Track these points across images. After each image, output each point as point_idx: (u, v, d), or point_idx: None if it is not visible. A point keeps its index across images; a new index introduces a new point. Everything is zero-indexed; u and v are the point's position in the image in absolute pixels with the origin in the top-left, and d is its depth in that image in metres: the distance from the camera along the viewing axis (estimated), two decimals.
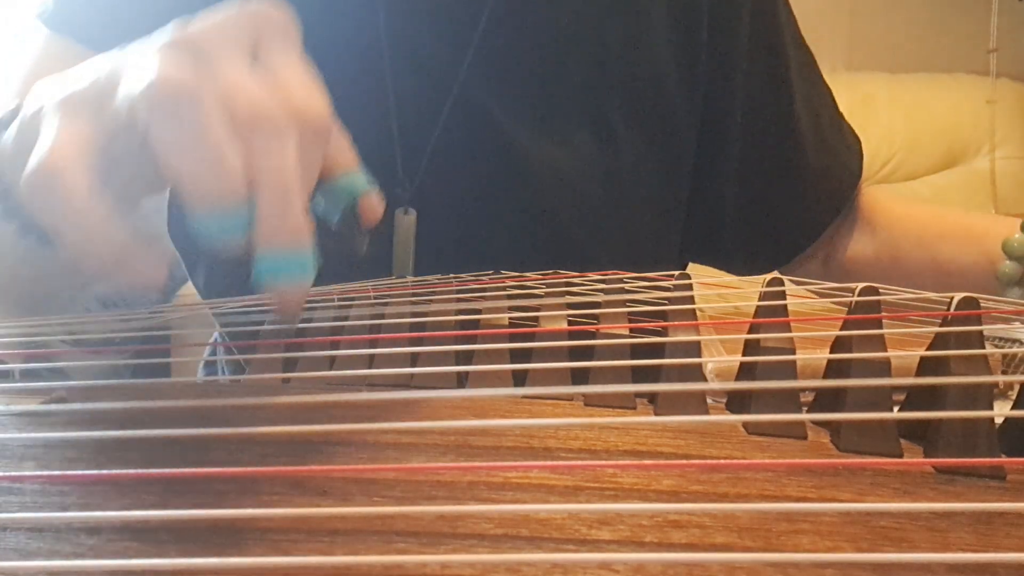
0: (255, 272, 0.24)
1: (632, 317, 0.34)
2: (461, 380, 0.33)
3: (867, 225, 0.65)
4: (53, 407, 0.29)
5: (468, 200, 0.53)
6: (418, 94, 0.52)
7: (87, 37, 0.52)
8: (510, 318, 0.36)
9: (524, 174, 0.53)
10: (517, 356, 0.32)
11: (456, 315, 0.36)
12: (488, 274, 0.44)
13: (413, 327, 0.36)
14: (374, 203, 0.30)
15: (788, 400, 0.28)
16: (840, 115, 0.66)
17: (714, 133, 0.60)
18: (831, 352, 0.30)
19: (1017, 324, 0.37)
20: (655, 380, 0.30)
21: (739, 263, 0.66)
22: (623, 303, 0.35)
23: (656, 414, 0.29)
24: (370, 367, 0.34)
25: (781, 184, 0.62)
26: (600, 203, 0.56)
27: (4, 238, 0.39)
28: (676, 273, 0.37)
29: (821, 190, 0.63)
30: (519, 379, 0.32)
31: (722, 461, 0.25)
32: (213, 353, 0.62)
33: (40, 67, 0.52)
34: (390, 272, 0.52)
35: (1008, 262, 0.53)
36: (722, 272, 0.67)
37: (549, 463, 0.24)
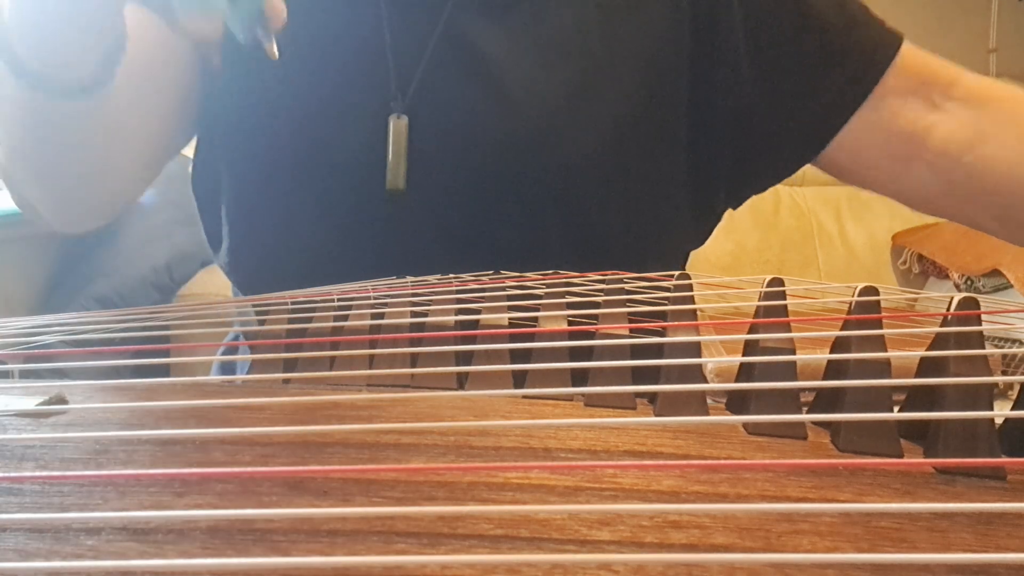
0: None
1: (632, 317, 0.34)
2: (461, 381, 0.33)
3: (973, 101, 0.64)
4: (53, 407, 0.29)
5: (457, 120, 0.56)
6: (409, 27, 0.57)
7: None
8: (510, 318, 0.36)
9: (510, 99, 0.56)
10: (517, 356, 0.32)
11: (456, 315, 0.36)
12: (488, 274, 0.44)
13: (413, 327, 0.36)
14: (276, 5, 0.32)
15: (788, 400, 0.28)
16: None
17: (711, 50, 0.59)
18: (831, 352, 0.30)
19: (1017, 324, 0.37)
20: (655, 380, 0.30)
21: (771, 165, 0.63)
22: (623, 303, 0.35)
23: (656, 414, 0.29)
24: (370, 367, 0.34)
25: (802, 70, 0.61)
26: (589, 130, 0.57)
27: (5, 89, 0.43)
28: (676, 273, 0.37)
29: (849, 66, 0.62)
30: (519, 380, 0.32)
31: (722, 461, 0.25)
32: (227, 353, 0.62)
33: None
34: (383, 176, 0.55)
35: None
36: (721, 273, 0.66)
37: (549, 463, 0.24)
